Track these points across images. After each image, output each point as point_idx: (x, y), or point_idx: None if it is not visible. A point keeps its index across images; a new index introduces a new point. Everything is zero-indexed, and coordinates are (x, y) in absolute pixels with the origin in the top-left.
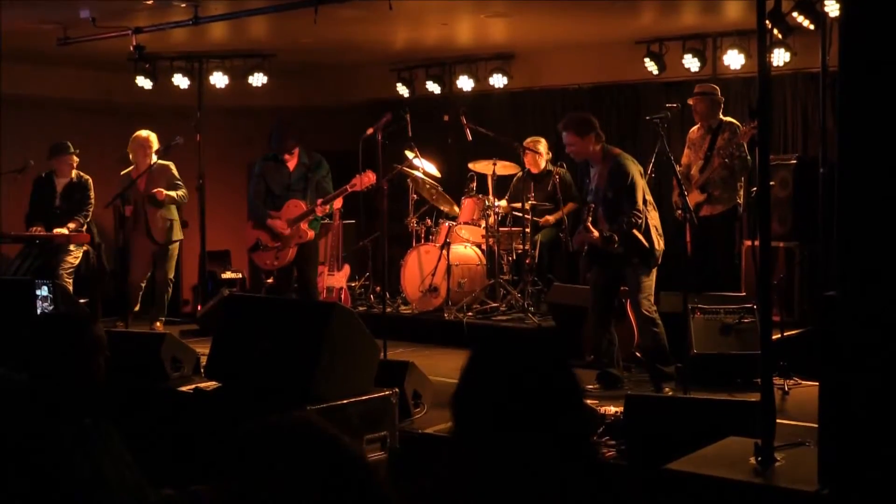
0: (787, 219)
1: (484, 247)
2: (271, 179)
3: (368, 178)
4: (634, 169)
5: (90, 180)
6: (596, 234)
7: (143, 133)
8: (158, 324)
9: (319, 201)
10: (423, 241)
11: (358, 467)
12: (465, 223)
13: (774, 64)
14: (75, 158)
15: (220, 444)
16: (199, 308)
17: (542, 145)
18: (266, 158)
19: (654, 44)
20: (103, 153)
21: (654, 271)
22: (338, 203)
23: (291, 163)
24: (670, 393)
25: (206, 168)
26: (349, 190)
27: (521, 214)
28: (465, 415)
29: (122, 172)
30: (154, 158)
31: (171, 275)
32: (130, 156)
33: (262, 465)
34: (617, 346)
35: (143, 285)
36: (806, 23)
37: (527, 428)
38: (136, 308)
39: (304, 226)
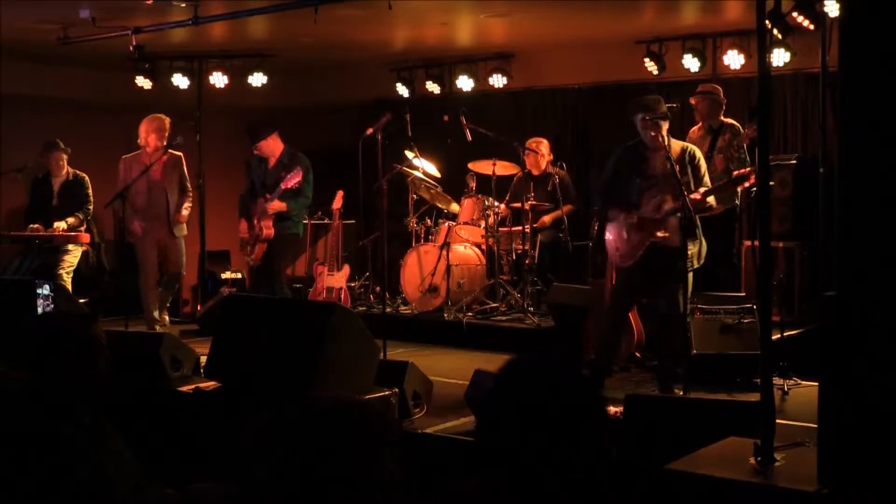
0: (787, 218)
1: (484, 247)
2: (255, 177)
3: (296, 175)
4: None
5: (86, 178)
6: (699, 194)
7: (161, 115)
8: (165, 316)
9: (267, 196)
10: (422, 241)
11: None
12: (465, 223)
13: (774, 64)
14: (65, 156)
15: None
16: (198, 308)
17: (545, 146)
18: (257, 156)
19: (653, 44)
20: (103, 153)
21: None
22: (337, 203)
23: (272, 161)
24: (681, 393)
25: (206, 168)
26: (282, 188)
27: (520, 207)
28: (493, 433)
29: (126, 156)
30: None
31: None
32: (142, 137)
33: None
34: (623, 345)
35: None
36: (806, 23)
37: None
38: (158, 314)
39: (263, 222)
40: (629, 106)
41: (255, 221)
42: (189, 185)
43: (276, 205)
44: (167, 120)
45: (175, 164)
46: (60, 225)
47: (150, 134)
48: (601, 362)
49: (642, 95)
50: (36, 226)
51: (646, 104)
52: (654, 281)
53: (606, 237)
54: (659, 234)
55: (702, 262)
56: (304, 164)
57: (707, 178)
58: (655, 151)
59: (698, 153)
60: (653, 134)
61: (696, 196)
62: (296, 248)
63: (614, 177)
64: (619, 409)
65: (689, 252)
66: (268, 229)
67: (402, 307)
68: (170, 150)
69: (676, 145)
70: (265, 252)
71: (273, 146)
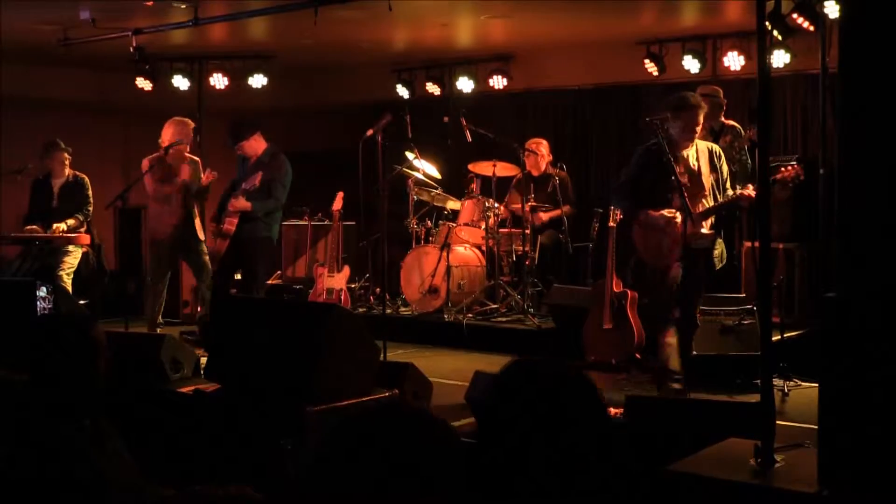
0: (787, 220)
1: (484, 248)
2: (238, 175)
3: (256, 177)
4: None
5: (87, 179)
6: (753, 191)
7: (186, 119)
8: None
9: (232, 194)
10: (423, 242)
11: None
12: (465, 224)
13: (774, 65)
14: (66, 156)
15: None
16: (198, 309)
17: (544, 147)
18: (240, 154)
19: (653, 45)
20: (103, 154)
21: None
22: (337, 204)
23: (253, 160)
24: (679, 386)
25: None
26: (243, 187)
27: (520, 213)
28: (493, 432)
29: (150, 156)
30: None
31: None
32: (165, 139)
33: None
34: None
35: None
36: (806, 24)
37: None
38: (160, 319)
39: (229, 219)
40: (666, 103)
41: (224, 217)
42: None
43: (241, 203)
44: (191, 124)
45: (197, 169)
46: (60, 226)
47: (178, 135)
48: (651, 364)
49: (686, 94)
50: (34, 227)
51: (684, 102)
52: (688, 281)
53: (635, 238)
54: (703, 231)
55: (723, 262)
56: (282, 166)
57: (728, 179)
58: (686, 150)
59: (722, 153)
60: (697, 129)
61: (752, 193)
62: (270, 251)
63: (641, 175)
64: (619, 410)
65: (714, 252)
66: (229, 225)
67: (403, 308)
68: (189, 155)
69: (703, 145)
70: (236, 253)
71: (255, 146)
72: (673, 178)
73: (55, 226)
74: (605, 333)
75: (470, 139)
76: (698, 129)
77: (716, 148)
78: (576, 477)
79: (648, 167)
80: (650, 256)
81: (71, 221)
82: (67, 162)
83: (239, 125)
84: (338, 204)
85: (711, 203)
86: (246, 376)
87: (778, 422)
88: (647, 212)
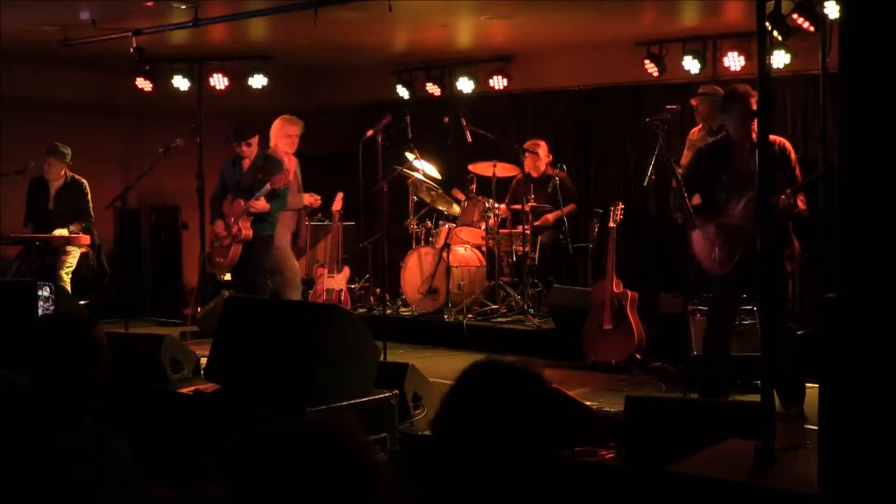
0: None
1: (484, 248)
2: (228, 178)
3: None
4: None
5: (85, 183)
6: (786, 194)
7: (295, 118)
8: None
9: (256, 193)
10: (423, 242)
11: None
12: (465, 225)
13: (774, 66)
14: (56, 163)
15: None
16: (199, 310)
17: (542, 148)
18: (231, 157)
19: (654, 45)
20: (103, 154)
21: None
22: (337, 205)
23: (247, 163)
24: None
25: (206, 170)
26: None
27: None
28: (444, 435)
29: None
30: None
31: None
32: (273, 139)
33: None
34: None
35: None
36: (806, 25)
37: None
38: None
39: (242, 223)
40: (726, 99)
41: (232, 222)
42: None
43: (261, 205)
44: (300, 123)
45: (296, 171)
46: (62, 233)
47: (276, 137)
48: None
49: (734, 86)
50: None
51: (733, 94)
52: (749, 287)
53: (694, 242)
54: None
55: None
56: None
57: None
58: (742, 146)
59: (789, 147)
60: (750, 123)
61: (782, 196)
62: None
63: (696, 175)
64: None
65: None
66: (246, 230)
67: (403, 309)
68: (292, 155)
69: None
70: (242, 253)
71: (253, 148)
72: (674, 180)
73: (56, 232)
74: (606, 334)
75: (470, 139)
76: (751, 120)
77: (781, 142)
78: (491, 479)
79: (704, 164)
80: (710, 264)
81: (73, 228)
82: (62, 169)
83: (246, 125)
84: (337, 204)
85: None
86: (246, 377)
87: (778, 423)
88: (699, 217)
